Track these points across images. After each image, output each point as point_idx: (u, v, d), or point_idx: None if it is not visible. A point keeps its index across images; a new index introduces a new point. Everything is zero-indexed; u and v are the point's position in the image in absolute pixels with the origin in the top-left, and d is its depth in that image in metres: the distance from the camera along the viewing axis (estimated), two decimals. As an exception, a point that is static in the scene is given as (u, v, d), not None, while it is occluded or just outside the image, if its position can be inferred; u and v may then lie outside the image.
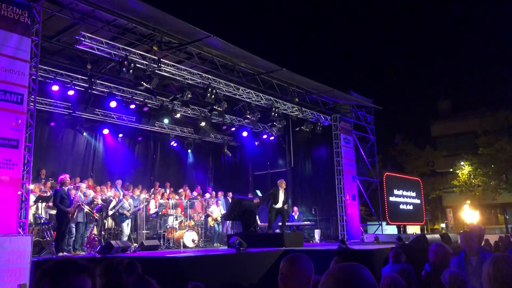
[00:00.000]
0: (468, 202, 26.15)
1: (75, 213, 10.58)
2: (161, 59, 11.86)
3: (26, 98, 8.40)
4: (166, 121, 15.97)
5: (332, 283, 1.62)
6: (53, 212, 11.19)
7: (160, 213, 13.92)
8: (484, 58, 32.55)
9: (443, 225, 30.46)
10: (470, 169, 26.33)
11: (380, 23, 39.17)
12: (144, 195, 14.46)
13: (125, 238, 12.19)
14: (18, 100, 8.27)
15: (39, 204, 11.51)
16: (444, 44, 39.50)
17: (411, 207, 19.34)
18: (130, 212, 12.66)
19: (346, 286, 1.59)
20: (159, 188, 15.72)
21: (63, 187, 10.52)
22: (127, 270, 3.20)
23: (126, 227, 12.59)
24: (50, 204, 11.31)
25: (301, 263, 2.48)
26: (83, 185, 12.20)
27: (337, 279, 1.62)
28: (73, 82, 12.90)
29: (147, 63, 11.65)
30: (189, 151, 18.80)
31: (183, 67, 12.74)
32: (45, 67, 12.17)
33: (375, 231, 17.90)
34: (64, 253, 10.06)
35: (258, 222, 13.31)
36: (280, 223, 13.76)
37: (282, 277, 2.47)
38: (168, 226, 13.52)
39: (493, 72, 31.71)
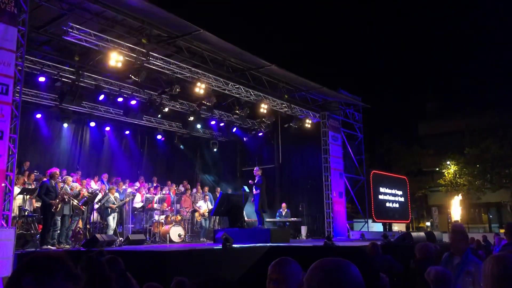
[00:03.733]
0: (458, 197, 26.38)
1: (59, 205, 10.43)
2: (150, 52, 11.76)
3: (11, 88, 8.28)
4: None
5: (320, 277, 1.62)
6: (38, 204, 11.06)
7: (146, 208, 13.85)
8: (471, 59, 32.92)
9: (428, 223, 30.79)
10: (456, 168, 26.62)
11: (369, 22, 39.35)
12: (130, 189, 14.36)
13: (110, 232, 12.09)
14: (3, 91, 8.15)
15: (24, 196, 11.36)
16: (433, 44, 39.84)
17: (397, 205, 19.53)
18: (115, 205, 12.56)
19: (334, 278, 1.59)
20: (145, 183, 15.64)
21: (52, 180, 10.39)
22: (110, 265, 3.16)
23: (112, 220, 12.48)
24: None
25: (291, 267, 2.39)
26: (70, 178, 12.07)
27: (324, 273, 1.62)
28: (60, 73, 12.74)
29: (135, 56, 11.55)
30: (177, 145, 18.69)
31: (172, 60, 12.65)
32: (31, 58, 11.99)
33: (361, 228, 18.03)
34: (49, 246, 9.95)
35: (245, 218, 13.31)
36: (268, 219, 13.81)
37: (275, 283, 2.37)
38: (154, 221, 13.46)
39: (480, 73, 32.09)
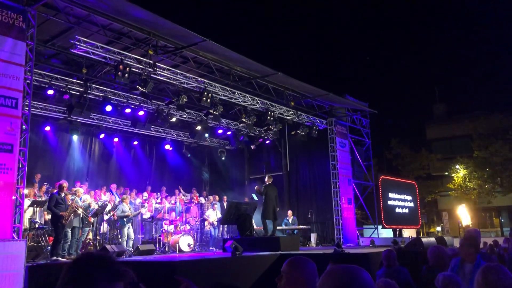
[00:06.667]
0: (463, 205, 26.19)
1: (69, 217, 10.49)
2: (157, 63, 11.86)
3: (20, 102, 8.37)
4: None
5: (332, 283, 1.62)
6: (49, 216, 11.12)
7: (155, 218, 13.88)
8: (479, 62, 32.78)
9: (438, 228, 30.53)
10: (465, 172, 26.40)
11: (376, 26, 39.38)
12: (139, 199, 14.41)
13: (124, 243, 12.06)
14: (12, 105, 8.24)
15: (34, 208, 11.44)
16: (440, 48, 39.72)
17: (406, 211, 19.37)
18: (132, 214, 12.56)
19: (345, 284, 1.59)
20: (154, 192, 15.67)
21: (60, 193, 10.45)
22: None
23: (127, 231, 12.48)
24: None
25: (300, 267, 2.35)
26: (81, 190, 12.11)
27: (336, 279, 1.62)
28: (68, 86, 12.87)
29: (142, 67, 11.66)
30: (185, 155, 18.75)
31: (178, 71, 12.75)
32: (40, 71, 12.15)
33: (371, 235, 17.90)
34: (59, 258, 9.98)
35: (254, 226, 13.28)
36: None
37: (280, 278, 2.36)
38: (163, 231, 13.47)
39: (488, 76, 31.94)
